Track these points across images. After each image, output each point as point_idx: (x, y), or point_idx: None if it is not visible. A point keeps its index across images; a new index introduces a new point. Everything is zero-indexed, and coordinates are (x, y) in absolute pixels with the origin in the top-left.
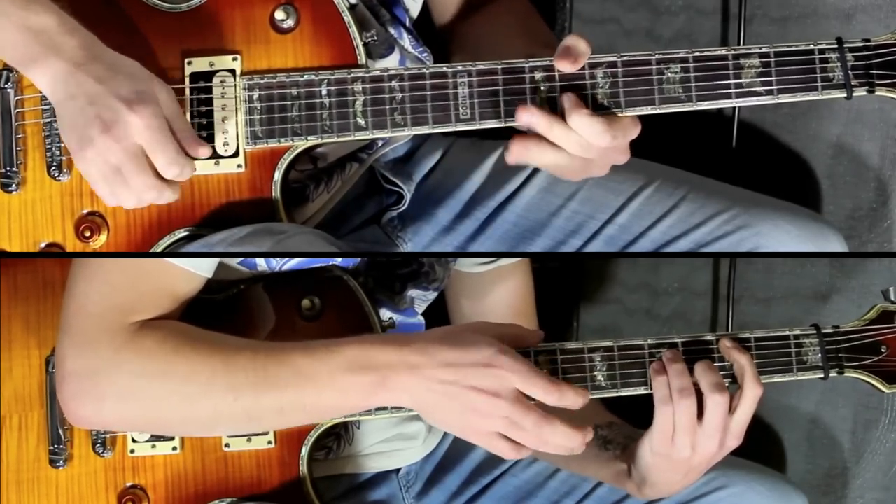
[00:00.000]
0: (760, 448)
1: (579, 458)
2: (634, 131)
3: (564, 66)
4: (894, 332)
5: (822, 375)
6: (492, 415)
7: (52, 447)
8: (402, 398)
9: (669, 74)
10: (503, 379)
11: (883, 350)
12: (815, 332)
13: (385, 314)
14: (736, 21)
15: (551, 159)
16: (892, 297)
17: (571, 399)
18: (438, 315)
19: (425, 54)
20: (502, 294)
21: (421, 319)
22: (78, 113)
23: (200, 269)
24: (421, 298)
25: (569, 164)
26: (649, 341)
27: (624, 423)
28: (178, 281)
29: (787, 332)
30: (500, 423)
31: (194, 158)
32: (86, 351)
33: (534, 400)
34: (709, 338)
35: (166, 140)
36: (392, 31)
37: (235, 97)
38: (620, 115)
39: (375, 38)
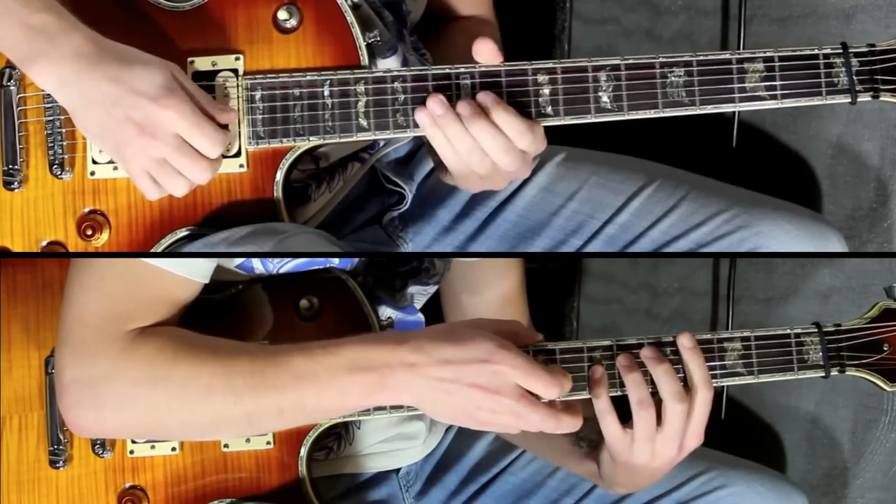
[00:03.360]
0: (760, 448)
1: (557, 454)
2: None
3: (483, 56)
4: None
5: (823, 374)
6: (496, 411)
7: (51, 448)
8: (402, 397)
9: (673, 78)
10: (503, 375)
11: (885, 348)
12: (816, 330)
13: (385, 312)
14: (736, 21)
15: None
16: (895, 295)
17: (567, 388)
18: (436, 309)
19: (426, 55)
20: (495, 284)
21: (420, 317)
22: (104, 118)
23: (196, 276)
24: (421, 294)
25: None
26: (647, 340)
27: None
28: (175, 287)
29: (788, 331)
30: (505, 419)
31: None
32: (85, 360)
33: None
34: (707, 337)
35: (203, 123)
36: (395, 32)
37: (238, 97)
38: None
39: (378, 38)
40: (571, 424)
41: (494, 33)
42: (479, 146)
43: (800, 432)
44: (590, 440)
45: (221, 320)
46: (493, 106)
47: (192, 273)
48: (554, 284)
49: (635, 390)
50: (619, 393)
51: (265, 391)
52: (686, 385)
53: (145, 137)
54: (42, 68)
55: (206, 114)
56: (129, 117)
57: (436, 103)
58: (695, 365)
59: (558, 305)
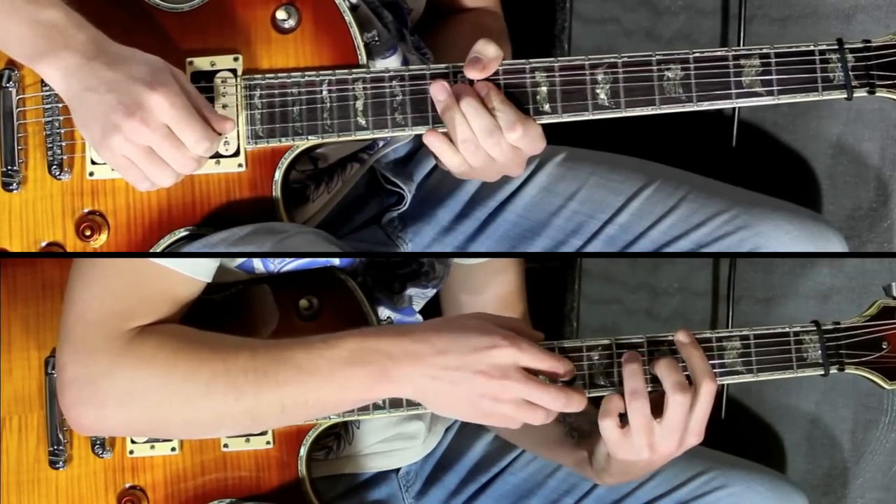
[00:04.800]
0: (760, 448)
1: (547, 445)
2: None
3: (473, 74)
4: (895, 328)
5: (822, 372)
6: (502, 398)
7: (51, 448)
8: (404, 389)
9: (670, 75)
10: (509, 360)
11: (884, 346)
12: (815, 328)
13: (383, 313)
14: (736, 21)
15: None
16: (894, 293)
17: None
18: (435, 312)
19: (427, 55)
20: (495, 286)
21: (418, 318)
22: (97, 102)
23: (199, 274)
24: (419, 296)
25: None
26: (647, 339)
27: (592, 408)
28: (177, 286)
29: (787, 329)
30: (511, 407)
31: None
32: (86, 358)
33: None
34: (706, 335)
35: (192, 116)
36: (394, 31)
37: (236, 97)
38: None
39: (377, 38)
40: (580, 401)
41: (499, 24)
42: (476, 138)
43: (800, 432)
44: (581, 430)
45: (221, 320)
46: (489, 92)
47: (196, 272)
48: (554, 284)
49: (629, 380)
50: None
51: (266, 386)
52: (690, 382)
53: (134, 121)
54: (52, 62)
55: (202, 115)
56: (120, 101)
57: (439, 89)
58: (695, 358)
59: (558, 305)
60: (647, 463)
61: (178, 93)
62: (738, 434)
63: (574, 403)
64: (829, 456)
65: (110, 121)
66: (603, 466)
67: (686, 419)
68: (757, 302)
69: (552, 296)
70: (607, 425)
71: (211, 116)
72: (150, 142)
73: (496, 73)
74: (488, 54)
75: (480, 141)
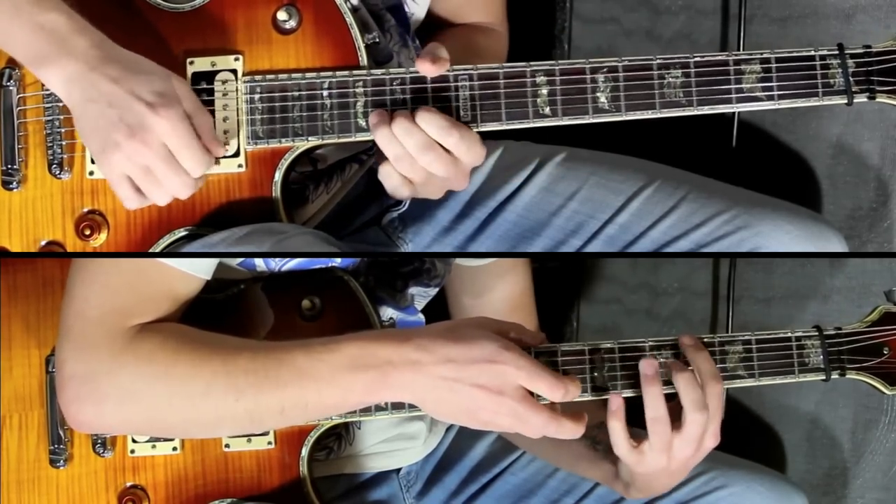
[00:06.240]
0: (760, 448)
1: (570, 457)
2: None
3: (425, 68)
4: None
5: (823, 377)
6: (497, 412)
7: (52, 447)
8: (403, 395)
9: (670, 79)
10: (507, 376)
11: (885, 352)
12: (816, 333)
13: (386, 312)
14: (736, 21)
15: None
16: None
17: (574, 394)
18: (438, 311)
19: None
20: (501, 288)
21: (421, 317)
22: (98, 116)
23: (199, 272)
24: (421, 295)
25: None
26: (649, 342)
27: None
28: (177, 283)
29: (789, 334)
30: (506, 420)
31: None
32: (86, 355)
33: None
34: (708, 339)
35: (192, 142)
36: (395, 35)
37: (237, 97)
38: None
39: (377, 40)
40: (573, 430)
41: (495, 45)
42: (406, 151)
43: (800, 432)
44: (606, 443)
45: (223, 320)
46: (418, 110)
47: (196, 269)
48: (554, 284)
49: (652, 405)
50: (632, 394)
51: (267, 388)
52: None
53: (134, 142)
54: (53, 69)
55: (201, 135)
56: (123, 119)
57: (377, 117)
58: (700, 361)
59: (558, 305)
60: (669, 475)
61: (181, 116)
62: (738, 434)
63: (566, 431)
64: (829, 456)
65: (111, 137)
66: (628, 480)
67: (703, 434)
68: (757, 302)
69: (552, 296)
70: (623, 453)
71: (207, 139)
72: (148, 162)
73: (497, 76)
74: (441, 53)
75: (418, 158)
